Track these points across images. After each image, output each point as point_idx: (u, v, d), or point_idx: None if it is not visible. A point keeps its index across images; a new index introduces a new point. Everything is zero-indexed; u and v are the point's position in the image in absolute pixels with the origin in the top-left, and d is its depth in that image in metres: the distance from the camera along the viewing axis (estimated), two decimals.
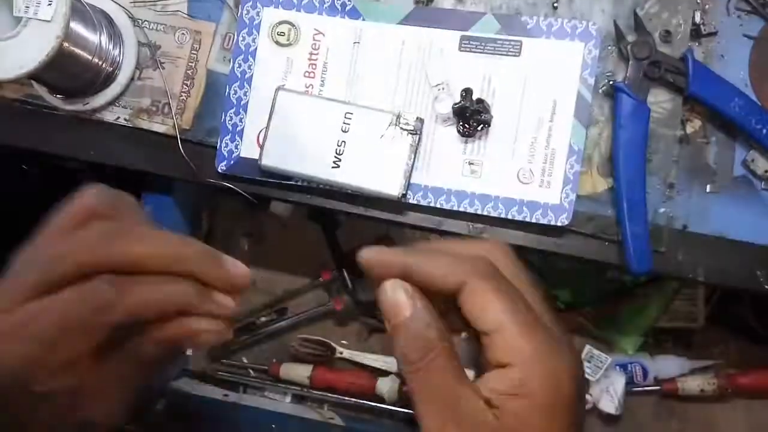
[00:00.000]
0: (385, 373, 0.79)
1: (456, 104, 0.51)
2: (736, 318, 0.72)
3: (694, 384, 0.70)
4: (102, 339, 0.31)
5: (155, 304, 0.32)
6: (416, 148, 0.51)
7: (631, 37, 0.51)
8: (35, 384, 0.31)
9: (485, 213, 0.51)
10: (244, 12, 0.53)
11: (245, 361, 0.77)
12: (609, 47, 0.52)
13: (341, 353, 0.77)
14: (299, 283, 0.76)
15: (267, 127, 0.52)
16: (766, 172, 0.50)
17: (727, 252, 0.51)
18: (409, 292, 0.31)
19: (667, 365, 0.71)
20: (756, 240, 0.50)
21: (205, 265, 0.34)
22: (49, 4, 0.46)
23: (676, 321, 0.72)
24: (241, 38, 0.53)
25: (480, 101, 0.51)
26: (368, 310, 0.73)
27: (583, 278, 0.70)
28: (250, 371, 0.75)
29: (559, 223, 0.50)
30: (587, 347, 0.72)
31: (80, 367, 0.32)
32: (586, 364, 0.71)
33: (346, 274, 0.71)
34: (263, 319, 0.76)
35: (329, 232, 0.73)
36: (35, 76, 0.49)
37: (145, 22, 0.55)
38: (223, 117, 0.53)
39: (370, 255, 0.32)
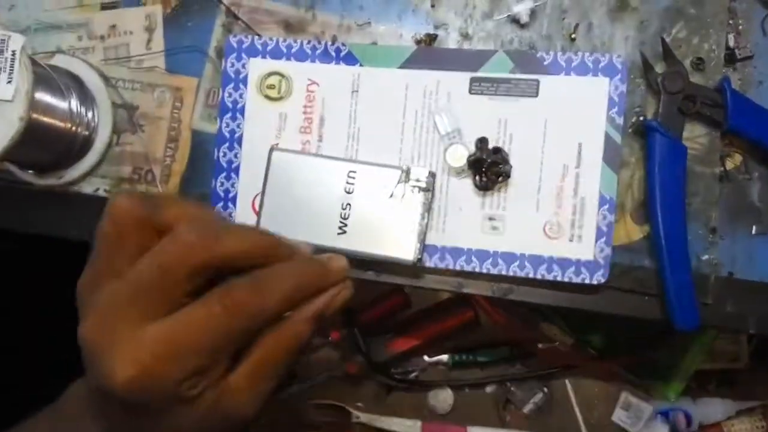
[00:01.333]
0: None
1: (471, 156, 0.46)
2: None
3: (741, 428, 0.65)
4: (247, 339, 0.31)
5: (299, 293, 0.32)
6: (429, 206, 0.46)
7: (660, 67, 0.46)
8: (187, 389, 0.30)
9: (511, 273, 0.46)
10: (228, 65, 0.48)
11: None
12: (636, 79, 0.46)
13: (357, 417, 0.72)
14: None
15: (263, 192, 0.47)
16: None
17: None
18: None
19: (711, 409, 0.67)
20: None
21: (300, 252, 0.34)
22: (9, 82, 0.40)
23: (719, 362, 0.67)
24: (227, 94, 0.48)
25: (497, 150, 0.46)
26: (384, 370, 0.67)
27: (614, 321, 0.65)
28: None
29: (594, 281, 0.45)
30: (623, 394, 0.66)
31: (225, 366, 0.31)
32: (623, 413, 0.66)
33: (357, 333, 0.66)
34: None
35: None
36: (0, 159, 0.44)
37: (119, 81, 0.50)
38: (213, 183, 0.48)
39: None
